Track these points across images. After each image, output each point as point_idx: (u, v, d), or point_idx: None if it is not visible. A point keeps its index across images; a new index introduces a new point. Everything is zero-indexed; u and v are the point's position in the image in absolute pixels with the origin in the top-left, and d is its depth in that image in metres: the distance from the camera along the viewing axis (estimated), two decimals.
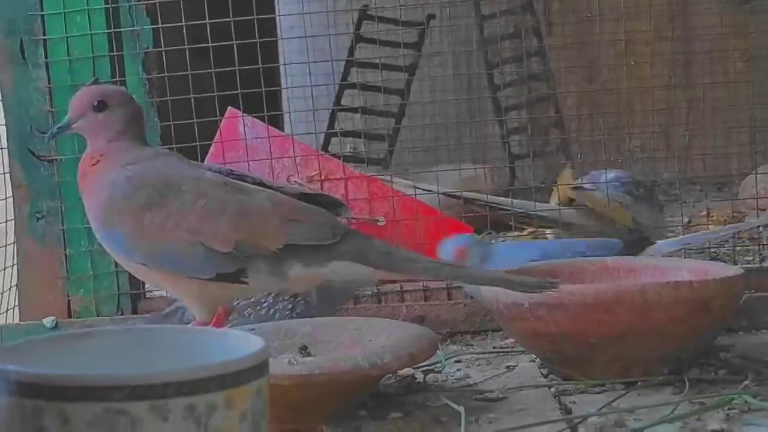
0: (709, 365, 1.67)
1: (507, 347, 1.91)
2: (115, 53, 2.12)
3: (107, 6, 2.13)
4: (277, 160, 2.22)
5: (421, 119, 3.57)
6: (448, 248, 1.91)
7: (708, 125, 3.78)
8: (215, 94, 2.21)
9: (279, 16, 2.69)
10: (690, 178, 3.59)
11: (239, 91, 2.16)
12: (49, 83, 2.13)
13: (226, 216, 1.46)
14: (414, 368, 1.70)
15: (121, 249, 1.50)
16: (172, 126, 2.16)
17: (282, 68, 2.49)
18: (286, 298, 1.79)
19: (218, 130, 2.26)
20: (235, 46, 2.15)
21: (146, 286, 2.18)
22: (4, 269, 2.22)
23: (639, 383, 1.59)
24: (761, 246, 2.37)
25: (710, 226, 2.58)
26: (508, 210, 2.34)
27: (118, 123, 1.53)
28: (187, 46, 2.17)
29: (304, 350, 1.61)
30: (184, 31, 2.17)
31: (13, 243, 2.19)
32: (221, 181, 1.50)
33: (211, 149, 2.25)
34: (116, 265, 2.08)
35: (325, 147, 3.52)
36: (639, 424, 1.40)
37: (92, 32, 2.12)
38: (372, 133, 4.15)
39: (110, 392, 0.94)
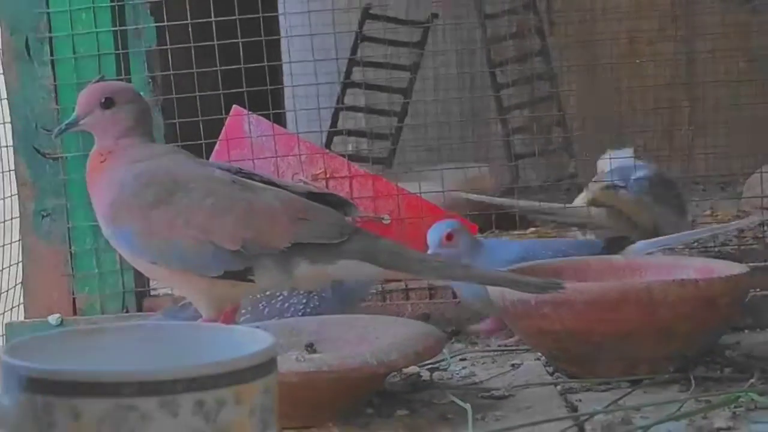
0: (715, 363, 1.67)
1: (511, 346, 1.91)
2: (120, 51, 2.13)
3: (113, 4, 2.13)
4: (282, 159, 2.22)
5: (424, 118, 3.57)
6: (438, 232, 1.91)
7: (711, 124, 3.79)
8: (220, 92, 2.21)
9: (282, 14, 2.70)
10: (693, 177, 3.60)
11: (244, 89, 2.16)
12: (54, 81, 2.13)
13: (234, 214, 1.46)
14: (419, 366, 1.69)
15: (129, 246, 1.49)
16: (177, 124, 2.16)
17: (284, 67, 2.49)
18: (301, 293, 1.79)
19: (223, 128, 2.26)
20: (240, 44, 2.15)
21: (151, 284, 2.19)
22: (10, 266, 2.23)
23: (645, 381, 1.59)
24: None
25: (713, 225, 2.58)
26: (535, 209, 2.32)
27: (126, 120, 1.52)
28: (192, 45, 2.17)
29: (310, 347, 1.60)
30: (190, 30, 2.18)
31: (19, 240, 2.20)
32: (230, 179, 1.50)
33: (216, 147, 2.25)
34: (122, 262, 2.08)
35: (327, 146, 3.51)
36: (645, 421, 1.40)
37: (98, 30, 2.12)
38: (375, 132, 4.14)
39: (120, 388, 0.94)
